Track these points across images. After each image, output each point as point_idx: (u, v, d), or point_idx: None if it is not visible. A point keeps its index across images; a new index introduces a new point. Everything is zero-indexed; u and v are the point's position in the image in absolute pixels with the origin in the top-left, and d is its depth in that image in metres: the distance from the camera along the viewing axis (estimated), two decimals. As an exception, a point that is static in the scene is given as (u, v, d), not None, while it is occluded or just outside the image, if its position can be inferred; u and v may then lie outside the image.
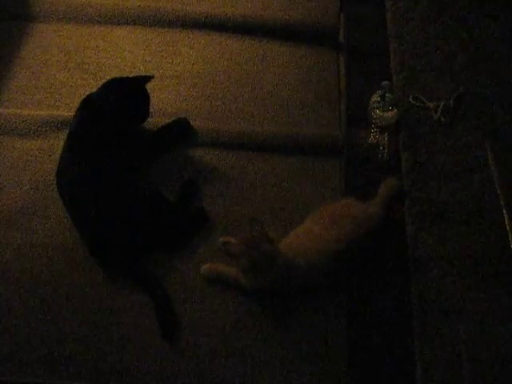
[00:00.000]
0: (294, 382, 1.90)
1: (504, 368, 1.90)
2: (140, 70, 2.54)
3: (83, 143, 2.11)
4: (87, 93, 2.24)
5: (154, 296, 2.01)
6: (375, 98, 2.40)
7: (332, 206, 2.08)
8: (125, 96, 2.18)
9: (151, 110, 2.36)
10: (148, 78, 2.23)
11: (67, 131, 2.19)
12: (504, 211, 2.19)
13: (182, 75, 2.55)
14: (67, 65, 2.58)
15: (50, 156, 2.31)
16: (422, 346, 1.95)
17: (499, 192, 2.23)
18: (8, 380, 1.89)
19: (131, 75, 2.27)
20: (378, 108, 2.38)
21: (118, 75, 2.31)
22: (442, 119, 2.43)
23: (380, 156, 2.35)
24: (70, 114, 2.25)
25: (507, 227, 2.15)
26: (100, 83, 2.25)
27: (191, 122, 2.38)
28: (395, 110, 2.38)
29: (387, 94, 2.38)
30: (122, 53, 2.61)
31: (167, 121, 2.37)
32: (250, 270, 1.90)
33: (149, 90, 2.34)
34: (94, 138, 2.11)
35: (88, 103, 2.19)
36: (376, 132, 2.38)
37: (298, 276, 1.95)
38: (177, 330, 1.97)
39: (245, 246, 1.88)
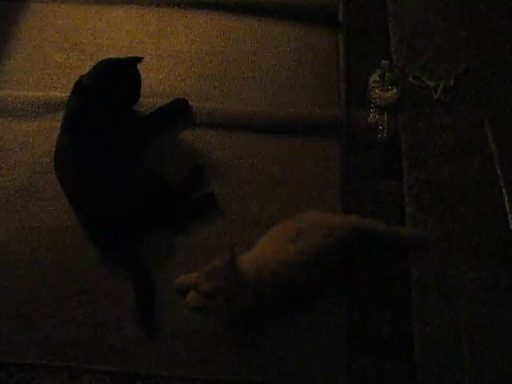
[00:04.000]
0: (290, 354, 1.90)
1: (504, 350, 1.90)
2: (137, 50, 2.51)
3: (79, 125, 2.11)
4: (84, 73, 2.22)
5: (137, 282, 1.99)
6: (374, 77, 2.38)
7: (294, 219, 2.02)
8: (115, 77, 2.17)
9: (149, 91, 2.37)
10: (138, 60, 2.22)
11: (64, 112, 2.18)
12: (504, 191, 2.18)
13: (179, 55, 2.53)
14: (64, 45, 2.56)
15: (47, 137, 2.29)
16: (421, 328, 1.94)
17: (499, 172, 2.22)
18: (7, 361, 1.88)
19: (128, 55, 2.25)
20: (377, 88, 2.36)
21: (114, 56, 2.29)
22: (442, 98, 2.41)
23: (379, 136, 2.34)
24: (66, 94, 2.23)
25: (507, 207, 2.14)
26: (97, 64, 2.24)
27: (189, 102, 2.36)
28: (395, 90, 2.36)
29: (387, 74, 2.36)
30: (119, 33, 2.60)
31: (165, 101, 2.35)
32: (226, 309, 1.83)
33: (146, 71, 2.35)
34: (89, 120, 2.11)
35: (80, 85, 2.17)
36: (375, 112, 2.37)
37: (266, 293, 1.89)
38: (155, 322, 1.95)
39: (210, 280, 1.81)
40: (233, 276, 1.81)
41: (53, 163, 2.16)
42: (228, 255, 1.81)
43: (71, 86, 2.21)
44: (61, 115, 2.20)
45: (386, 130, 2.34)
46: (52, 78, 2.46)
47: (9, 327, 1.94)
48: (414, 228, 2.12)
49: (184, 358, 1.89)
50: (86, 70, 2.23)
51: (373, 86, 2.37)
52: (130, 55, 2.27)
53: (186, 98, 2.37)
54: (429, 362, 1.89)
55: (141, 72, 2.24)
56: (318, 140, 2.31)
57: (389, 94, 2.35)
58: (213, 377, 1.86)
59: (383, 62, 2.38)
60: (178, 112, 2.35)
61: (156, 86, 2.42)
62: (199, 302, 1.88)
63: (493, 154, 2.27)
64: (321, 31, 2.62)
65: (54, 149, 2.16)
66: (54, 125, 2.27)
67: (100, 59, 2.26)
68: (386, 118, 2.35)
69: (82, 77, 2.20)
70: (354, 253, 2.02)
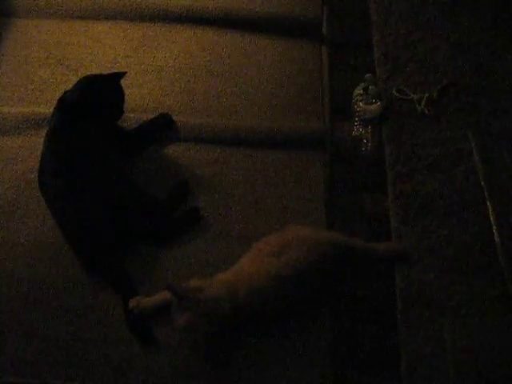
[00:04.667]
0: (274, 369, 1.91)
1: (488, 360, 1.90)
2: (121, 66, 2.51)
3: (63, 141, 2.10)
4: (68, 89, 2.21)
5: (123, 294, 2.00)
6: (358, 90, 2.39)
7: (278, 234, 2.02)
8: (99, 93, 2.16)
9: (133, 106, 2.36)
10: (121, 75, 2.21)
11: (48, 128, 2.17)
12: (488, 203, 2.18)
13: (163, 70, 2.53)
14: (48, 61, 2.55)
15: (31, 153, 2.28)
16: (406, 340, 1.94)
17: (483, 184, 2.22)
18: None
19: (112, 71, 2.24)
20: (361, 101, 2.37)
21: (99, 71, 2.29)
22: (426, 111, 2.42)
23: (364, 149, 2.35)
24: (50, 110, 2.21)
25: (491, 219, 2.15)
26: (82, 79, 2.23)
27: (173, 117, 2.36)
28: (379, 103, 2.37)
29: (370, 87, 2.37)
30: (104, 48, 2.59)
31: (149, 116, 2.35)
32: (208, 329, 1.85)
33: (130, 86, 2.36)
34: (73, 135, 2.10)
35: (63, 101, 2.17)
36: (359, 125, 2.37)
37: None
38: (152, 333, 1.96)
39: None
40: (202, 301, 1.82)
41: (37, 179, 2.14)
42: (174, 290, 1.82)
43: (55, 101, 2.20)
44: (45, 131, 2.19)
45: (370, 143, 2.34)
46: (36, 94, 2.46)
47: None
48: (391, 242, 2.13)
49: (169, 374, 1.89)
50: (70, 85, 2.23)
51: (357, 99, 2.38)
52: (114, 70, 2.26)
53: (169, 112, 2.37)
54: (414, 374, 1.89)
55: (125, 87, 2.24)
56: (303, 153, 2.31)
57: (373, 106, 2.36)
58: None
59: (367, 75, 2.40)
60: (162, 127, 2.35)
61: (140, 100, 2.42)
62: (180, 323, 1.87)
63: (477, 166, 2.27)
64: (304, 45, 2.63)
65: (38, 165, 2.14)
66: (37, 140, 2.26)
67: (84, 74, 2.25)
68: (370, 131, 2.36)
69: (65, 92, 2.20)
70: (337, 267, 2.02)
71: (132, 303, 1.95)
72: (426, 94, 2.45)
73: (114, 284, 2.02)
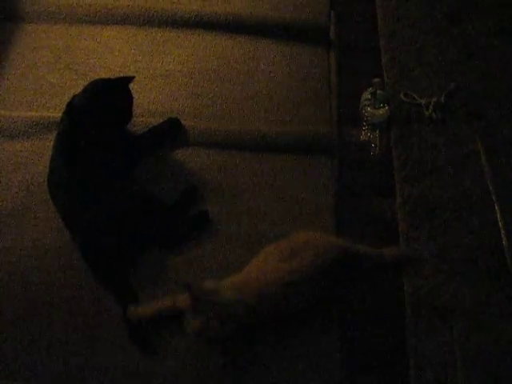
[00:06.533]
0: (283, 373, 1.90)
1: (498, 366, 1.90)
2: (130, 70, 2.52)
3: (71, 145, 2.10)
4: (77, 93, 2.23)
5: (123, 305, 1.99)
6: (366, 95, 2.39)
7: (287, 239, 2.02)
8: (107, 97, 2.17)
9: (141, 110, 2.37)
10: (130, 79, 2.22)
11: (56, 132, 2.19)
12: (496, 207, 2.18)
13: (172, 74, 2.54)
14: (57, 65, 2.56)
15: (40, 158, 2.29)
16: (415, 345, 1.94)
17: (491, 188, 2.22)
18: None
19: (120, 75, 2.25)
20: (369, 105, 2.37)
21: (107, 76, 2.29)
22: (434, 116, 2.42)
23: (372, 153, 2.35)
24: (59, 115, 2.23)
25: (499, 223, 2.15)
26: (90, 84, 2.24)
27: (182, 121, 2.37)
28: (386, 108, 2.37)
29: (378, 91, 2.37)
30: (112, 53, 2.60)
31: (158, 120, 2.36)
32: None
33: (139, 90, 2.36)
34: (82, 140, 2.10)
35: (71, 106, 2.18)
36: (367, 129, 2.38)
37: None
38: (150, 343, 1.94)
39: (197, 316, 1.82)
40: (217, 304, 1.82)
41: (46, 183, 2.15)
42: (192, 290, 1.81)
43: (64, 106, 2.21)
44: (53, 135, 2.20)
45: (378, 148, 2.35)
46: (45, 98, 2.46)
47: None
48: (398, 247, 2.13)
49: (177, 378, 1.89)
50: (79, 90, 2.23)
51: (365, 104, 2.38)
52: (123, 75, 2.27)
53: (178, 117, 2.38)
54: (423, 378, 1.89)
55: (133, 91, 2.25)
56: (311, 158, 2.31)
57: (381, 111, 2.36)
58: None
59: (375, 79, 2.40)
60: (170, 131, 2.35)
61: (149, 105, 2.43)
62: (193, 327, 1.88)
63: (485, 170, 2.27)
64: (312, 49, 2.63)
65: (47, 169, 2.15)
66: (46, 145, 2.27)
67: (93, 79, 2.26)
68: (378, 136, 2.37)
69: (74, 97, 2.21)
70: (346, 273, 2.02)
71: (130, 312, 1.95)
72: (434, 99, 2.45)
73: (115, 292, 2.02)
